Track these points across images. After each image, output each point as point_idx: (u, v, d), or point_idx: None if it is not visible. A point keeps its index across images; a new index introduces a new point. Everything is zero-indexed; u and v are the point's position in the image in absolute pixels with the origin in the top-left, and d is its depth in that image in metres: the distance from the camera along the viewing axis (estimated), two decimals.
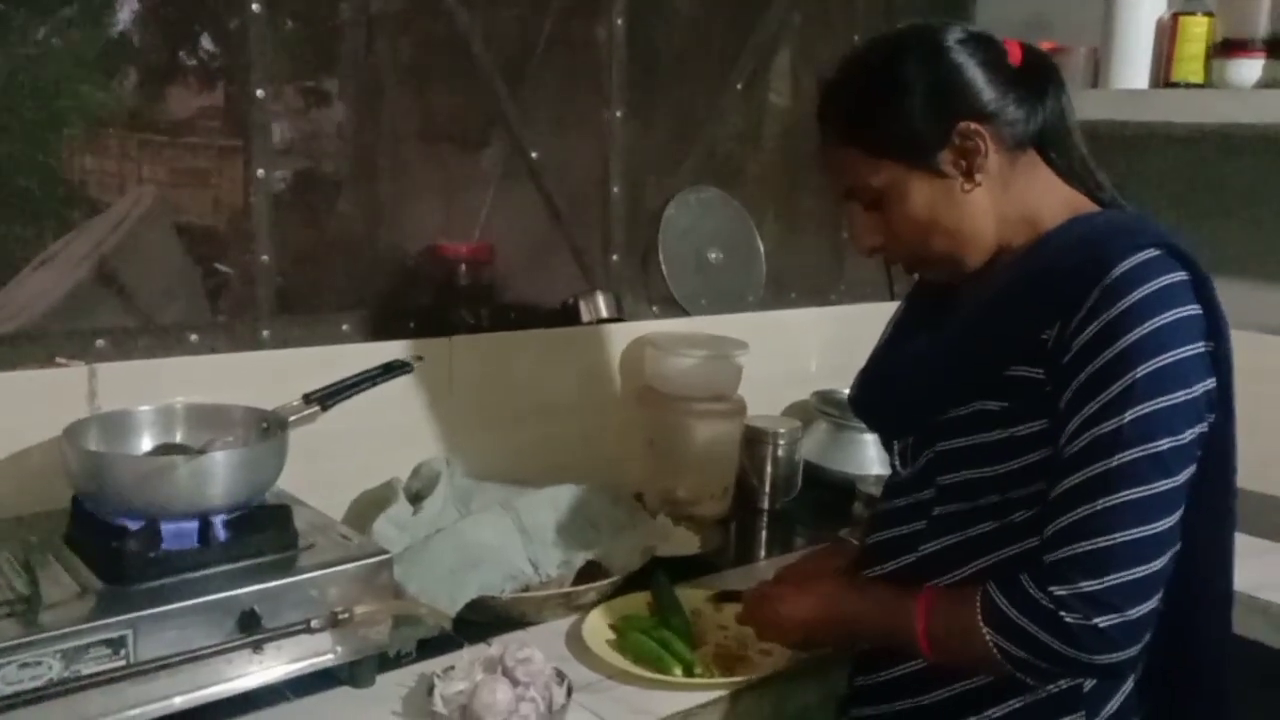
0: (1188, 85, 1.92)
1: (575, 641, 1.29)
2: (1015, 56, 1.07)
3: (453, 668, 1.14)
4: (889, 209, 1.07)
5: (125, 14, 1.48)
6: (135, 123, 1.51)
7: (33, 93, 1.40)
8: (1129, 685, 1.05)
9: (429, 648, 1.24)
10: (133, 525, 1.10)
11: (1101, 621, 0.92)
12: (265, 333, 1.58)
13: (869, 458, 1.96)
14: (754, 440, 1.89)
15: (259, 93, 1.54)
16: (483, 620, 1.31)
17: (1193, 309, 0.96)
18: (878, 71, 1.06)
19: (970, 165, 1.04)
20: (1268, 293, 1.96)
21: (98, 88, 1.46)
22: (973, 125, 1.03)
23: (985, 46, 1.06)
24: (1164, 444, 0.93)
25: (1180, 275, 0.96)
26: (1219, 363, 0.99)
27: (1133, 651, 0.95)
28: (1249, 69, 1.85)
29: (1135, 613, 0.92)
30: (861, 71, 1.08)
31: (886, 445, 1.21)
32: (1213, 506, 1.02)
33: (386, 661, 1.20)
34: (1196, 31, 1.90)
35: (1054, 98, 1.08)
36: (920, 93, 1.03)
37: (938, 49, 1.04)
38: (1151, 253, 0.96)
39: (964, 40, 1.05)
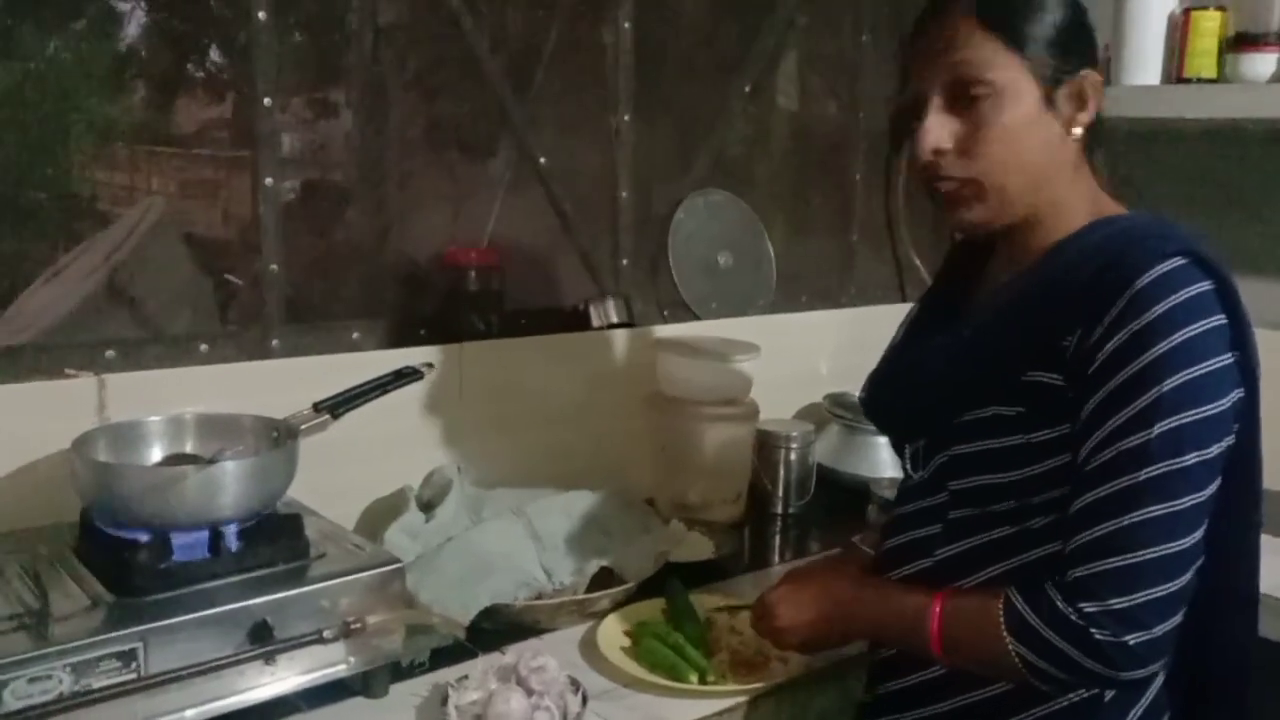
0: (1200, 80, 1.90)
1: (589, 649, 1.29)
2: None
3: (466, 677, 1.14)
4: (983, 113, 0.99)
5: (133, 27, 1.49)
6: (144, 135, 1.51)
7: (42, 106, 1.40)
8: (1151, 693, 1.03)
9: (442, 657, 1.23)
10: (143, 536, 1.10)
11: (1131, 639, 0.91)
12: (275, 342, 1.58)
13: (883, 460, 1.94)
14: (766, 444, 1.87)
15: (266, 103, 1.54)
16: (496, 628, 1.30)
17: (1219, 319, 0.94)
18: None
19: (1073, 117, 1.01)
20: None
21: (107, 100, 1.46)
22: (1098, 77, 1.01)
23: None
24: (1191, 459, 0.91)
25: (1206, 284, 0.94)
26: (1245, 372, 0.97)
27: (1156, 667, 0.94)
28: (1263, 63, 1.84)
29: (1161, 629, 0.92)
30: None
31: (897, 448, 1.19)
32: (1239, 516, 1.01)
33: (400, 671, 1.19)
34: (1209, 26, 1.89)
35: None
36: (1074, 18, 1.01)
37: None
38: (1178, 261, 0.94)
39: None
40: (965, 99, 1.00)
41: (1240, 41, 1.86)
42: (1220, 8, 1.89)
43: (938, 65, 1.01)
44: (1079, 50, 1.01)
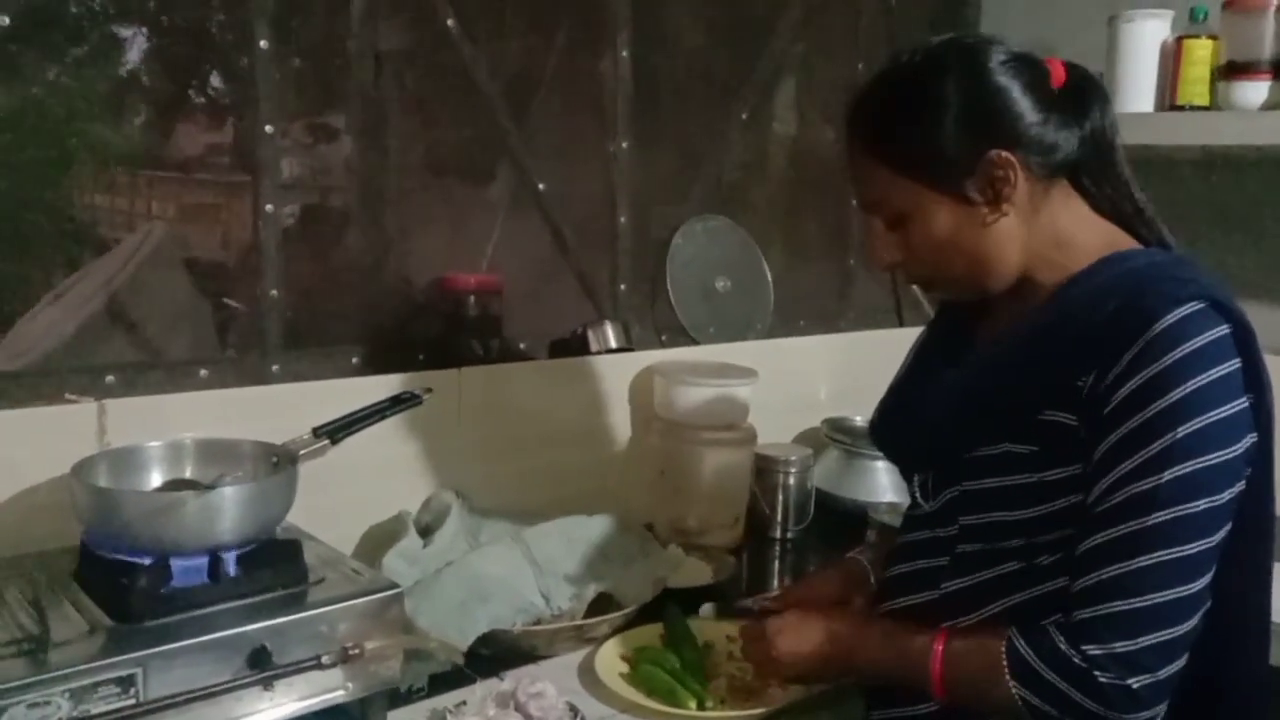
0: (1193, 108, 1.92)
1: (588, 675, 1.28)
2: (1058, 78, 1.04)
3: (464, 703, 1.13)
4: (909, 228, 1.04)
5: (135, 53, 1.49)
6: (144, 160, 1.52)
7: (43, 131, 1.41)
8: None
9: (440, 683, 1.23)
10: (142, 562, 1.09)
11: (1135, 683, 0.91)
12: (274, 367, 1.58)
13: (881, 485, 1.95)
14: (765, 468, 1.88)
15: (267, 128, 1.55)
16: (494, 654, 1.30)
17: (1234, 364, 0.94)
18: (914, 87, 1.02)
19: (998, 194, 1.00)
20: (1276, 313, 1.95)
21: (107, 126, 1.47)
22: (1005, 154, 0.99)
23: (1028, 68, 1.02)
24: (1201, 505, 0.91)
25: (1223, 329, 0.94)
26: (1259, 414, 0.97)
27: (1158, 710, 0.94)
28: (1254, 91, 1.86)
29: (1165, 673, 0.92)
30: (897, 84, 1.04)
31: (905, 476, 1.19)
32: (1251, 556, 1.00)
33: (398, 697, 1.19)
34: (1201, 54, 1.91)
35: (1097, 119, 1.05)
36: (955, 115, 1.00)
37: (980, 69, 1.00)
38: (1195, 306, 0.94)
39: (1007, 61, 1.01)
40: (890, 216, 1.05)
41: (1232, 70, 1.88)
42: (1212, 36, 1.91)
43: (855, 191, 1.08)
44: (971, 142, 1.00)
